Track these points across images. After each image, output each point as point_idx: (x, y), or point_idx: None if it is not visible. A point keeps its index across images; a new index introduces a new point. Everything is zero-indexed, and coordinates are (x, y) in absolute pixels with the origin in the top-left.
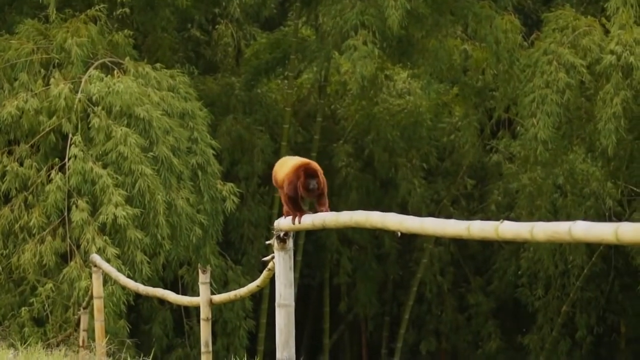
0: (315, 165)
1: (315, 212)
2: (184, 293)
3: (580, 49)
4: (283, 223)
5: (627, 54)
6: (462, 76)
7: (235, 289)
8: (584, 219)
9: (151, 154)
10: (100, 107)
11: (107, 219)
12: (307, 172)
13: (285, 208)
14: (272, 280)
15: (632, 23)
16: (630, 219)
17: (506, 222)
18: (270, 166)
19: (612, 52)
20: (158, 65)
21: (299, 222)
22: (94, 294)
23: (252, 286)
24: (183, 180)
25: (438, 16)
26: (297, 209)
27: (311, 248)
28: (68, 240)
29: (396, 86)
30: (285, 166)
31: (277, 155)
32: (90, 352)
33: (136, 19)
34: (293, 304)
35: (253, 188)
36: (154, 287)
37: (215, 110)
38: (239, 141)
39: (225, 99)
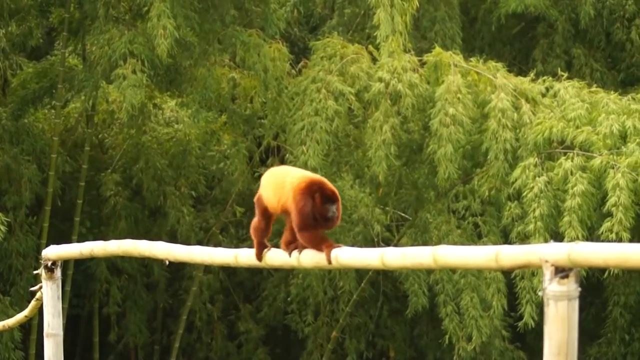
0: (330, 183)
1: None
2: None
3: (348, 76)
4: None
5: (395, 82)
6: (230, 104)
7: (3, 320)
8: (353, 245)
9: None
10: None
11: None
12: (324, 195)
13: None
14: (40, 311)
15: (400, 51)
16: (398, 244)
17: (273, 250)
18: (38, 196)
19: (380, 80)
20: None
21: (329, 262)
22: None
23: (20, 316)
24: None
25: (206, 45)
26: (321, 241)
27: (80, 278)
28: None
29: (164, 115)
30: (285, 184)
31: (45, 186)
32: None
33: None
34: (61, 333)
35: (21, 218)
36: None
37: None
38: (6, 171)
39: None
